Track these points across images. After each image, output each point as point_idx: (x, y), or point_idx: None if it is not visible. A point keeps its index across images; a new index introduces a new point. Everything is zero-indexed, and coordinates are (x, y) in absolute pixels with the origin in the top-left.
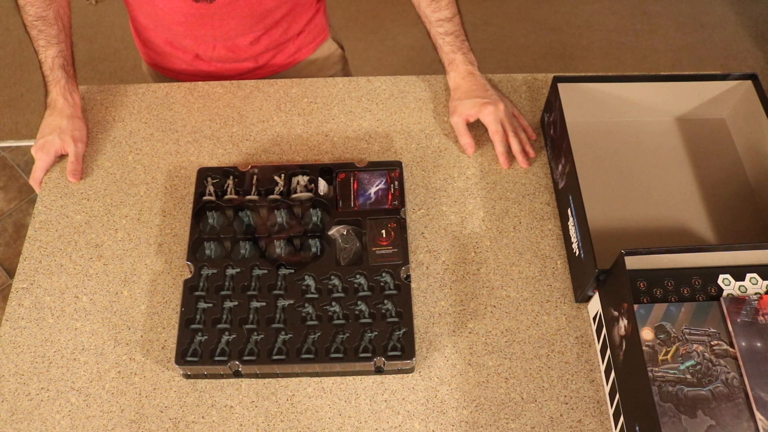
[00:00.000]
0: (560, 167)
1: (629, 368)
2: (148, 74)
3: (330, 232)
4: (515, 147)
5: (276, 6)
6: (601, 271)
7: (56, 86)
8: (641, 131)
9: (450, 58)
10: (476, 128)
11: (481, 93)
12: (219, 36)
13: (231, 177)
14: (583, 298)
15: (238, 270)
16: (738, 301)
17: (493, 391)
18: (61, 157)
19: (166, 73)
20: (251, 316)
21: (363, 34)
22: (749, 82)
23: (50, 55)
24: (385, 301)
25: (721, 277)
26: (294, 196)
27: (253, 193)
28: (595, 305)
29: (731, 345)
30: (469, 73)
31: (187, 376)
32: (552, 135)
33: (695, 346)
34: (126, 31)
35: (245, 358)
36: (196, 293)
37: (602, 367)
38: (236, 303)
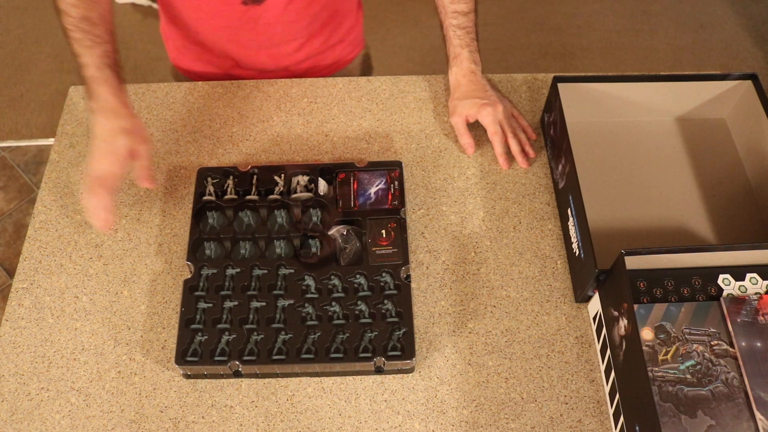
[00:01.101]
0: (560, 167)
1: (629, 368)
2: (172, 76)
3: (330, 232)
4: (514, 148)
5: (321, 10)
6: (601, 271)
7: (106, 85)
8: (641, 131)
9: (456, 52)
10: (476, 128)
11: (481, 94)
12: (263, 42)
13: (231, 177)
14: (583, 298)
15: (238, 270)
16: (738, 301)
17: (493, 391)
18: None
19: (194, 77)
20: (251, 316)
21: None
22: (749, 82)
23: (97, 54)
24: (385, 301)
25: (721, 277)
26: (294, 196)
27: (253, 193)
28: (595, 305)
29: (731, 345)
30: (471, 71)
31: (187, 376)
32: (552, 135)
33: (695, 346)
34: (126, 31)
35: (245, 358)
36: (196, 293)
37: (602, 367)
38: (236, 303)
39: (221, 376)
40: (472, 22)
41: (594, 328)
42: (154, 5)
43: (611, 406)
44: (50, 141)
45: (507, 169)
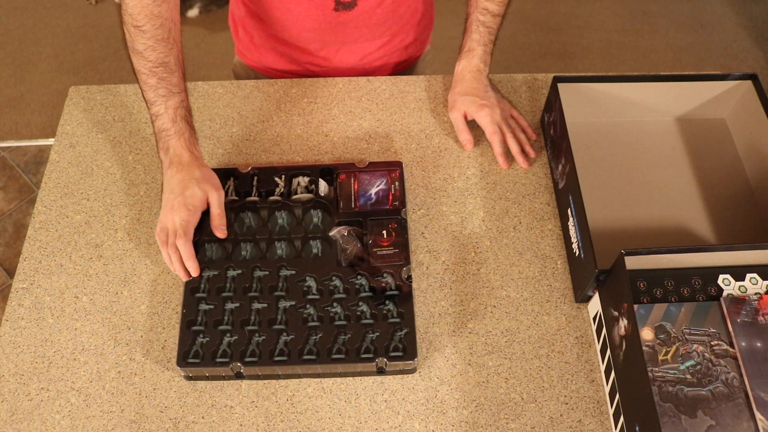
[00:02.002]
0: (560, 167)
1: (629, 368)
2: (240, 68)
3: (331, 233)
4: (513, 148)
5: (406, 10)
6: (601, 271)
7: (180, 139)
8: (641, 131)
9: (472, 46)
10: (476, 128)
11: (481, 93)
12: (348, 40)
13: (231, 178)
14: (583, 298)
15: (240, 271)
16: (738, 301)
17: (493, 391)
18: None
19: (264, 72)
20: (253, 318)
21: None
22: (749, 82)
23: (172, 106)
24: (387, 302)
25: (721, 277)
26: (295, 197)
27: (253, 194)
28: (595, 305)
29: (731, 345)
30: (477, 69)
31: (189, 378)
32: (552, 135)
33: (695, 346)
34: None
35: (247, 359)
36: (198, 295)
37: (602, 367)
38: (237, 304)
39: (223, 378)
40: (497, 25)
41: (594, 328)
42: None
43: (611, 406)
44: (50, 141)
45: (507, 168)
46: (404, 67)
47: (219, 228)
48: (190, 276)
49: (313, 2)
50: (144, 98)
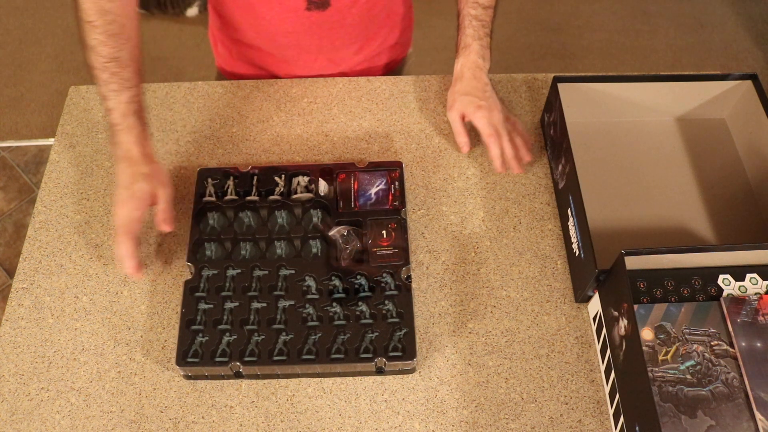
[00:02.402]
0: (560, 167)
1: (629, 368)
2: (219, 78)
3: (330, 233)
4: (508, 152)
5: (380, 11)
6: (601, 271)
7: (130, 134)
8: (641, 131)
9: (467, 42)
10: (474, 129)
11: (479, 93)
12: (324, 46)
13: (231, 178)
14: (583, 298)
15: (239, 271)
16: (738, 301)
17: (493, 391)
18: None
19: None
20: (252, 317)
21: None
22: (749, 82)
23: (123, 101)
24: (386, 302)
25: (721, 277)
26: (294, 196)
27: (253, 193)
28: (595, 305)
29: (731, 345)
30: (476, 66)
31: (188, 377)
32: (552, 135)
33: (695, 346)
34: None
35: (246, 359)
36: (197, 294)
37: (602, 367)
38: (237, 304)
39: (222, 377)
40: (490, 17)
41: (594, 328)
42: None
43: (611, 407)
44: (50, 141)
45: (503, 171)
46: (387, 72)
47: (164, 221)
48: (137, 276)
49: (284, 4)
50: (98, 94)
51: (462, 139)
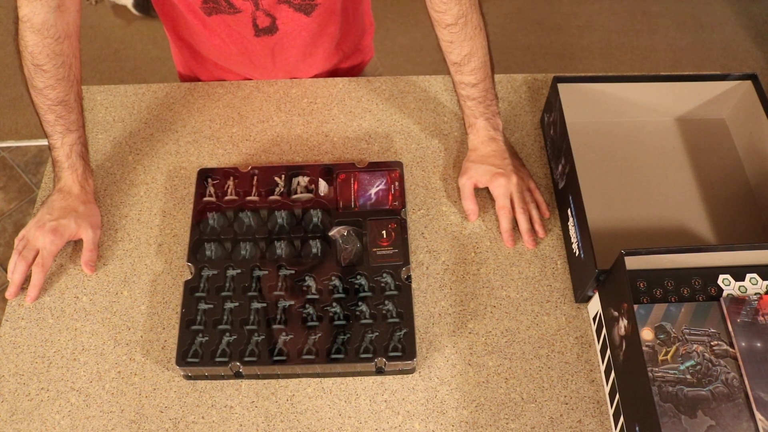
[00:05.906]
0: (560, 167)
1: (629, 368)
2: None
3: (330, 233)
4: (522, 225)
5: (336, 29)
6: (601, 271)
7: (73, 173)
8: (641, 131)
9: (471, 122)
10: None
11: (497, 161)
12: (278, 62)
13: (231, 178)
14: (583, 298)
15: (239, 271)
16: (738, 301)
17: (493, 391)
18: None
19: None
20: (252, 317)
21: None
22: (749, 82)
23: (68, 143)
24: (386, 302)
25: (721, 277)
26: (294, 196)
27: (253, 194)
28: (595, 305)
29: (731, 345)
30: (490, 138)
31: (188, 377)
32: (552, 135)
33: (695, 346)
34: (126, 32)
35: (246, 359)
36: (197, 294)
37: (602, 367)
38: (237, 304)
39: (222, 377)
40: (484, 90)
41: (594, 328)
42: (134, 11)
43: (611, 407)
44: None
45: (511, 247)
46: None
47: (85, 264)
48: (13, 297)
49: (231, 34)
50: (43, 130)
51: (470, 206)
